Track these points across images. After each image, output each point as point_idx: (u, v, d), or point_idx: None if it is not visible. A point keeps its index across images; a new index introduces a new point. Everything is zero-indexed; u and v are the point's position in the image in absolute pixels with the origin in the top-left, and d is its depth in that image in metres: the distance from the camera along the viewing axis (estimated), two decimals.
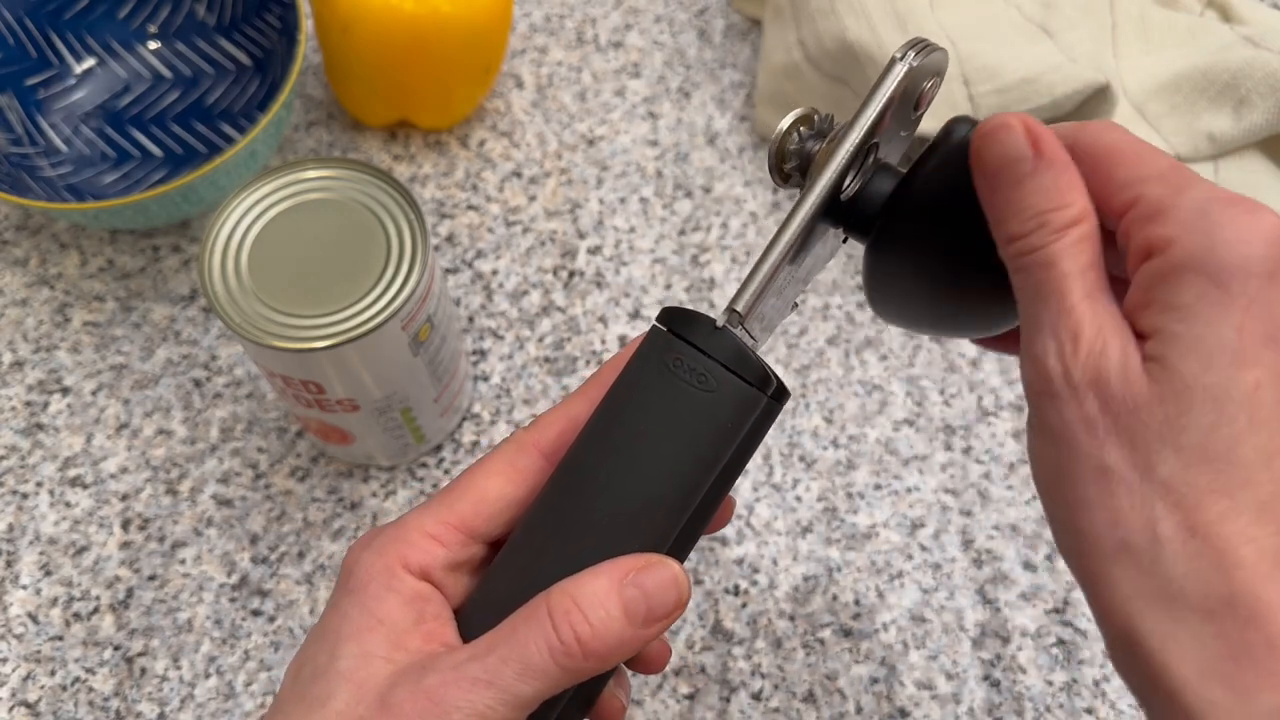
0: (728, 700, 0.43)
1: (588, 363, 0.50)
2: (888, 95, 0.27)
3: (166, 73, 0.55)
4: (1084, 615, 0.45)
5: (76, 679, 0.43)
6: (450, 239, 0.53)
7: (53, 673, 0.44)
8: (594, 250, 0.53)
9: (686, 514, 0.27)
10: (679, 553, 0.28)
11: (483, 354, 0.50)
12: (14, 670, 0.44)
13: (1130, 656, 0.22)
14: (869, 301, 0.30)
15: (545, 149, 0.56)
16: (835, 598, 0.45)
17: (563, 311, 0.51)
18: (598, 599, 0.25)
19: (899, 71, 0.27)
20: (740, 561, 0.46)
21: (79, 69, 0.55)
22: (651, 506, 0.27)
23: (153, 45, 0.55)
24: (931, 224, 0.27)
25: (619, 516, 0.27)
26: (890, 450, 0.48)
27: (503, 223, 0.54)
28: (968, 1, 0.51)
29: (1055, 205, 0.23)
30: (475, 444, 0.48)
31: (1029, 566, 0.46)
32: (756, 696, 0.43)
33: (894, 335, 0.51)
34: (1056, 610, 0.45)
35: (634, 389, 0.27)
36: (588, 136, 0.56)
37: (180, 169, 0.53)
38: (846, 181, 0.28)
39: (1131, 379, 0.22)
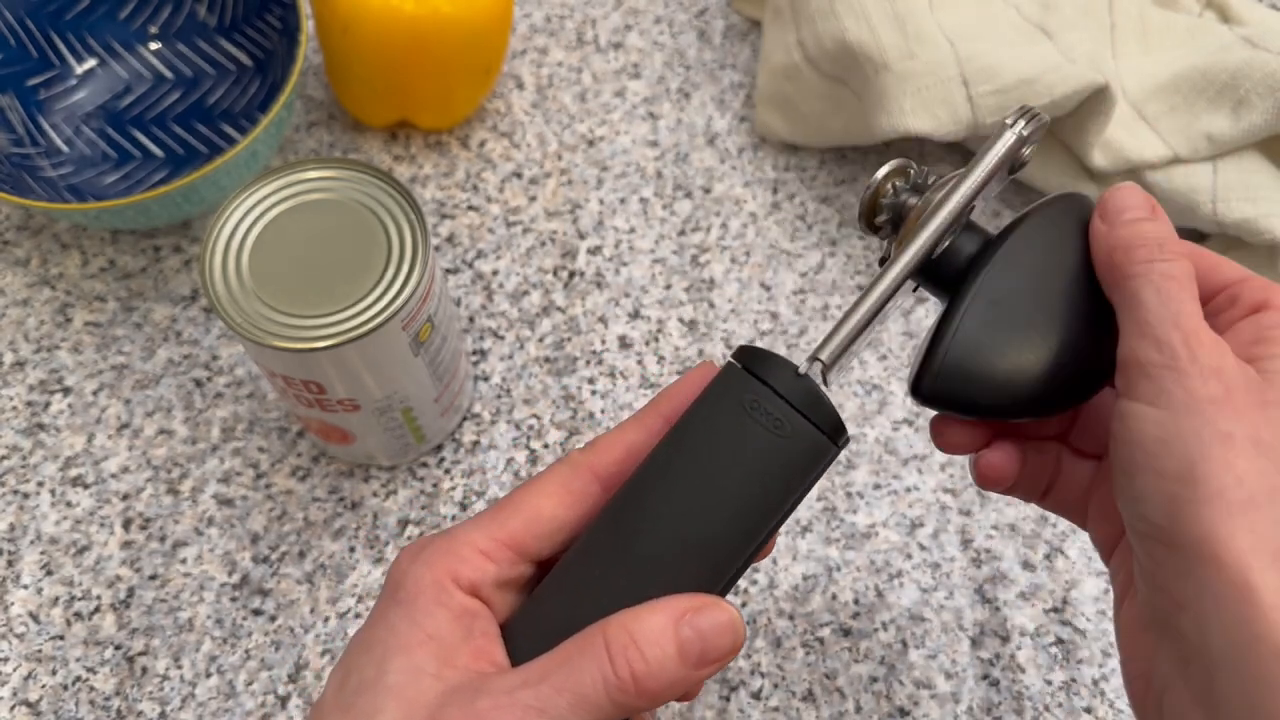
0: (727, 699, 0.43)
1: (588, 363, 0.50)
2: (996, 161, 0.28)
3: (167, 73, 0.55)
4: (1083, 614, 0.45)
5: (78, 678, 0.44)
6: (451, 239, 0.53)
7: (54, 672, 0.44)
8: (594, 250, 0.53)
9: (744, 555, 0.27)
10: (726, 591, 0.27)
11: (483, 354, 0.50)
12: (15, 669, 0.44)
13: (1245, 607, 0.23)
14: (923, 371, 0.28)
15: (545, 149, 0.56)
16: (834, 597, 0.45)
17: (563, 311, 0.51)
18: (654, 637, 0.25)
19: (1008, 139, 0.28)
20: None
21: (80, 69, 0.55)
22: (712, 545, 0.27)
23: (154, 46, 0.55)
24: (1028, 278, 0.28)
25: (678, 551, 0.27)
26: (889, 450, 0.48)
27: (503, 223, 0.54)
28: (967, 2, 0.51)
29: (1173, 239, 0.27)
30: (475, 444, 0.48)
31: (1028, 566, 0.46)
32: (756, 695, 0.43)
33: (893, 335, 0.51)
34: (1055, 609, 0.45)
35: (706, 426, 0.27)
36: (588, 137, 0.56)
37: (181, 169, 0.53)
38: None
39: (1250, 377, 0.25)
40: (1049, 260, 0.28)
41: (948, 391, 0.28)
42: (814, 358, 0.27)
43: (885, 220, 0.30)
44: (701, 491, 0.27)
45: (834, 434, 0.27)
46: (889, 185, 0.29)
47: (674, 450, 0.27)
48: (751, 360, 0.27)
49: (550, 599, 0.28)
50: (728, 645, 0.26)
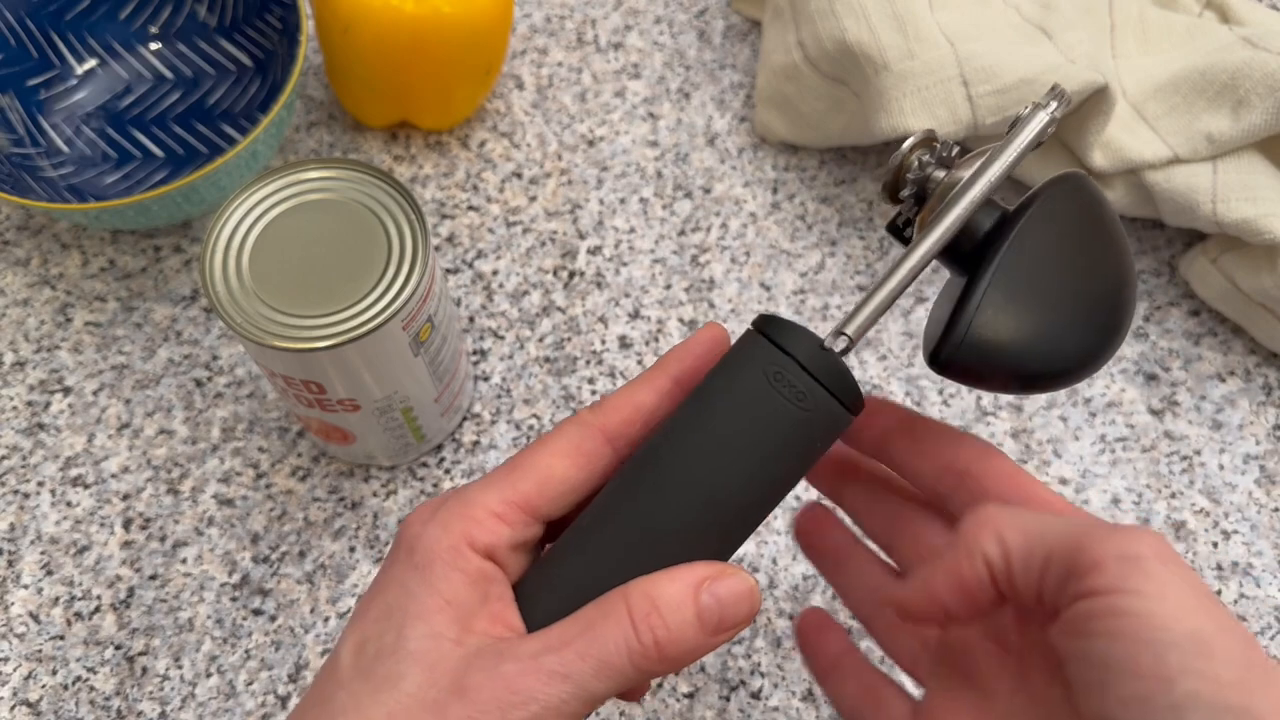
0: (727, 699, 0.43)
1: (588, 363, 0.50)
2: (1030, 140, 0.28)
3: (168, 73, 0.55)
4: None
5: (78, 678, 0.44)
6: (451, 239, 0.53)
7: (54, 672, 0.44)
8: (594, 250, 0.53)
9: (757, 523, 0.27)
10: (729, 558, 0.28)
11: (483, 354, 0.50)
12: (15, 669, 0.44)
13: None
14: (945, 339, 0.28)
15: (545, 150, 0.56)
16: (835, 597, 0.45)
17: (563, 311, 0.51)
18: (676, 603, 0.25)
19: (1042, 119, 0.28)
20: (740, 560, 0.46)
21: (80, 70, 0.55)
22: (729, 512, 0.27)
23: (154, 46, 0.55)
24: (1046, 255, 0.27)
25: (696, 517, 0.27)
26: None
27: (503, 223, 0.54)
28: (967, 2, 0.51)
29: None
30: (476, 444, 0.48)
31: None
32: (756, 695, 0.43)
33: (893, 335, 0.51)
34: None
35: (728, 394, 0.27)
36: (588, 137, 0.56)
37: (181, 169, 0.53)
38: None
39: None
40: (1064, 238, 0.28)
41: (970, 360, 0.27)
42: (839, 332, 0.27)
43: (909, 195, 0.30)
44: (722, 459, 0.27)
45: (853, 408, 0.27)
46: (914, 158, 0.29)
47: (694, 416, 0.27)
48: (774, 330, 0.27)
49: (566, 561, 0.28)
50: (745, 612, 0.26)
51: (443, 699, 0.25)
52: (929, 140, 0.30)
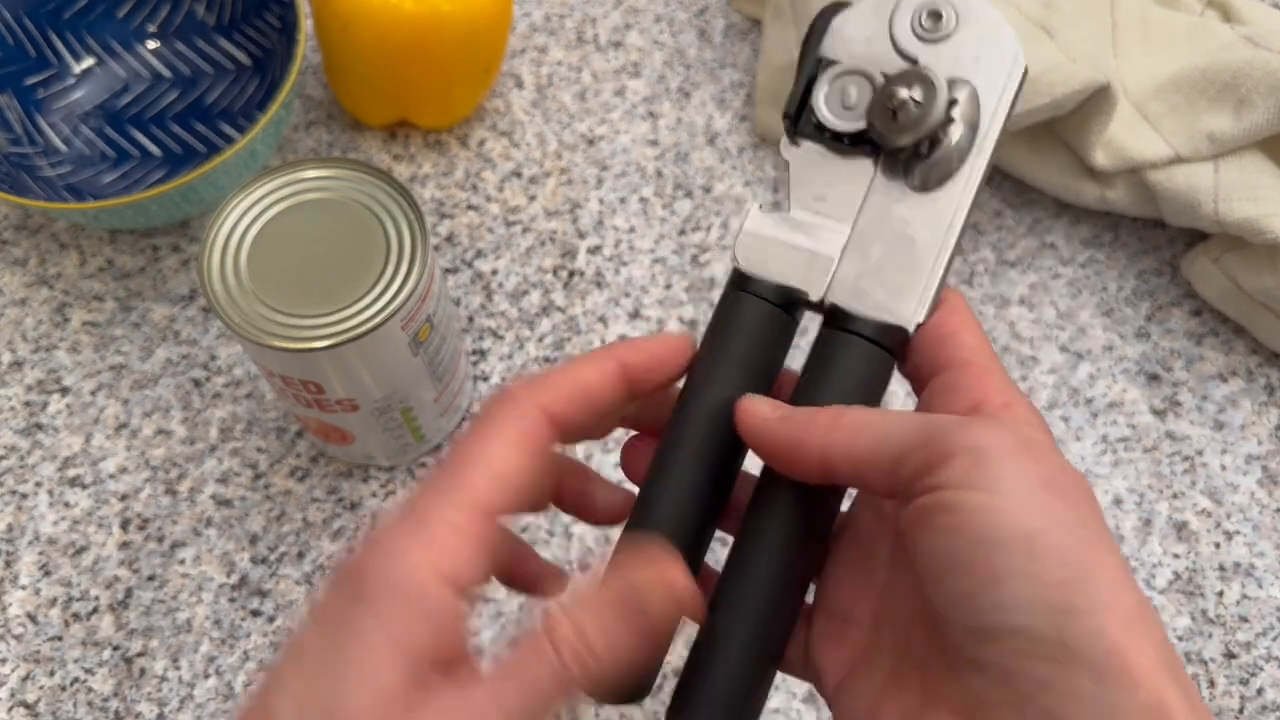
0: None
1: None
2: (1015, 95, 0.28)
3: (166, 72, 0.55)
4: None
5: (75, 679, 0.43)
6: (450, 239, 0.53)
7: (52, 673, 0.44)
8: (594, 250, 0.53)
9: None
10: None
11: (482, 354, 0.50)
12: (13, 670, 0.44)
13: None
14: None
15: (545, 149, 0.56)
16: None
17: (563, 311, 0.51)
18: (599, 623, 0.24)
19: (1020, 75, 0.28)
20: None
21: (78, 69, 0.54)
22: None
23: (152, 45, 0.55)
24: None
25: None
26: None
27: (502, 222, 0.54)
28: None
29: None
30: None
31: None
32: None
33: None
34: None
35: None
36: (588, 136, 0.56)
37: (179, 169, 0.53)
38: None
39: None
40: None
41: None
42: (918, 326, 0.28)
43: (910, 139, 0.28)
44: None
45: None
46: (908, 96, 0.28)
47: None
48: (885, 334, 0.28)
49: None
50: (671, 609, 0.25)
51: None
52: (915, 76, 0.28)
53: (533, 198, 0.54)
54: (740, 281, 0.29)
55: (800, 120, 0.29)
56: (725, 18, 0.60)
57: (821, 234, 0.29)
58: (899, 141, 0.28)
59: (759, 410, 0.27)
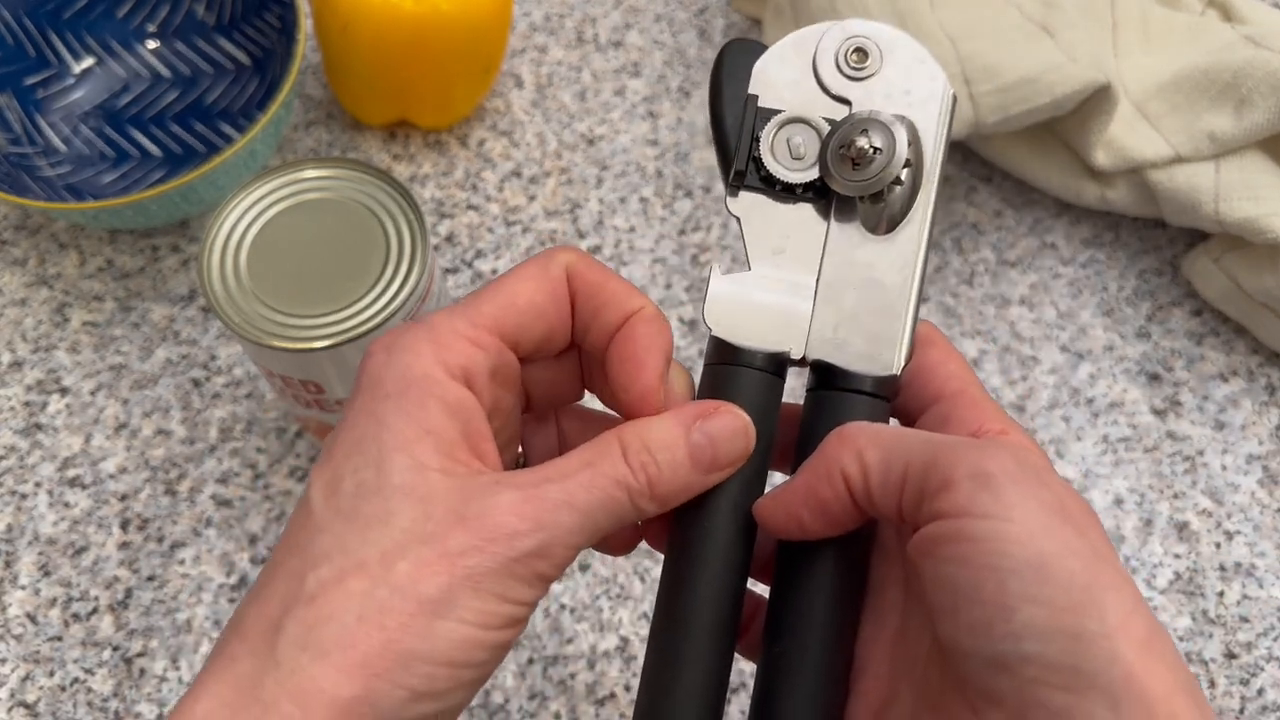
0: (728, 702, 0.43)
1: None
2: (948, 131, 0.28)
3: (165, 72, 0.55)
4: None
5: (75, 679, 0.43)
6: (450, 239, 0.53)
7: (51, 673, 0.43)
8: (594, 250, 0.53)
9: None
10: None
11: None
12: (13, 671, 0.44)
13: None
14: None
15: (545, 148, 0.56)
16: None
17: None
18: (666, 443, 0.25)
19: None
20: None
21: (78, 68, 0.54)
22: None
23: (151, 45, 0.55)
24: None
25: None
26: None
27: (502, 222, 0.53)
28: (968, 0, 0.51)
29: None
30: None
31: None
32: None
33: None
34: None
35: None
36: (588, 136, 0.56)
37: (179, 169, 0.53)
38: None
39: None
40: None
41: None
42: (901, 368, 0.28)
43: (864, 182, 0.27)
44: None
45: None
46: (867, 144, 0.27)
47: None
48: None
49: None
50: (740, 449, 0.27)
51: (441, 531, 0.23)
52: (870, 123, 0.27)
53: (533, 198, 0.54)
54: (724, 354, 0.29)
55: (746, 174, 0.29)
56: (725, 18, 0.60)
57: (788, 288, 0.29)
58: (860, 191, 0.27)
59: (779, 510, 0.27)
